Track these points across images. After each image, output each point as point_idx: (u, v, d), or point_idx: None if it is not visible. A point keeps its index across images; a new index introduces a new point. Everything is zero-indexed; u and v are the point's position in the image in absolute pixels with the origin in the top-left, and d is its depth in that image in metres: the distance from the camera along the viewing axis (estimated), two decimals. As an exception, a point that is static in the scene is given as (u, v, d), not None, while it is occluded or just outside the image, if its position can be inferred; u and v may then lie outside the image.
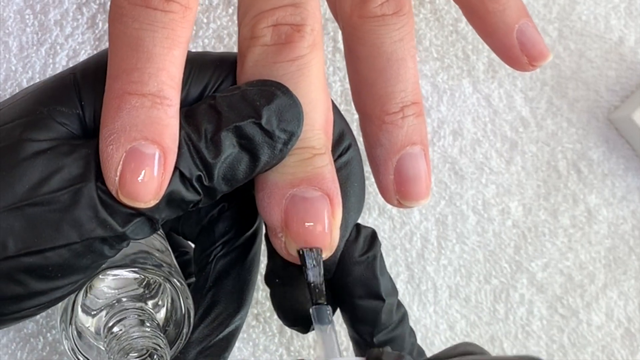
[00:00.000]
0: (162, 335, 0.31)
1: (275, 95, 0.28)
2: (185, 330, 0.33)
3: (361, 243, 0.31)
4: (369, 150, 0.32)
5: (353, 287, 0.31)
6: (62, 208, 0.25)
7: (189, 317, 0.32)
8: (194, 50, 0.33)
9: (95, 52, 0.40)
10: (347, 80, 0.34)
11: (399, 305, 0.33)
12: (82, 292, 0.31)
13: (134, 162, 0.25)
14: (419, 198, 0.31)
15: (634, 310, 0.44)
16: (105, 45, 0.40)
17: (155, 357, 0.31)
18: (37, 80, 0.39)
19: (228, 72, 0.29)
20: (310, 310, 0.30)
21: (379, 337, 0.31)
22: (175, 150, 0.26)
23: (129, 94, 0.25)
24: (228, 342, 0.34)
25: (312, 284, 0.29)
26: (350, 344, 0.34)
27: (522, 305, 0.43)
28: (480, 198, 0.43)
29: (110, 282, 0.32)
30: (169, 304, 0.33)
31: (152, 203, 0.26)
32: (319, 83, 0.28)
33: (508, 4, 0.34)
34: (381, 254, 0.31)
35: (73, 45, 0.39)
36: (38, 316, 0.39)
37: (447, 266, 0.43)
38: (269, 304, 0.41)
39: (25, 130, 0.26)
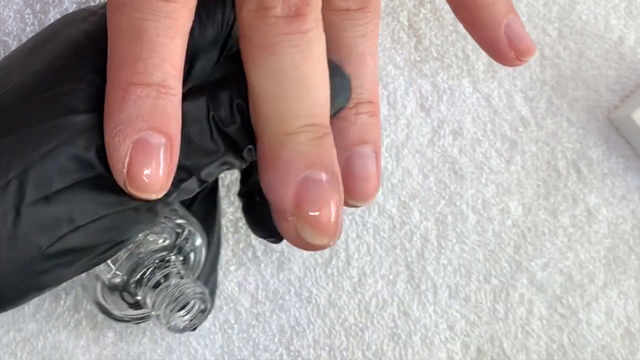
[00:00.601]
0: (194, 280, 0.33)
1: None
2: (202, 257, 0.34)
3: None
4: None
5: None
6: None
7: (203, 253, 0.34)
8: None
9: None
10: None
11: None
12: None
13: (141, 153, 0.25)
14: (365, 198, 0.31)
15: (634, 310, 0.44)
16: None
17: (197, 303, 0.32)
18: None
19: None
20: None
21: None
22: (180, 138, 0.26)
23: (134, 84, 0.25)
24: (219, 248, 0.36)
25: None
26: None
27: (522, 305, 0.43)
28: (480, 198, 0.43)
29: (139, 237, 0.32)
30: (180, 245, 0.34)
31: (161, 193, 0.26)
32: (324, 57, 0.28)
33: None
34: None
35: (73, 45, 0.39)
36: (38, 316, 0.39)
37: (446, 266, 0.43)
38: (268, 303, 0.41)
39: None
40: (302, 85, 0.27)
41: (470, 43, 0.43)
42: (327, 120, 0.27)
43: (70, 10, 0.39)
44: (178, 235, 0.33)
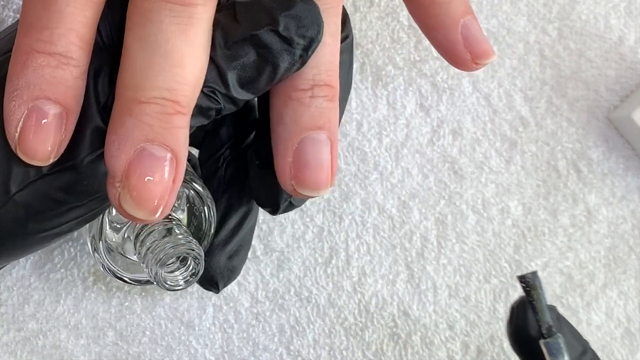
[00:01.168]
0: (192, 239, 0.32)
1: (293, 1, 0.27)
2: (209, 233, 0.34)
3: None
4: (272, 126, 0.30)
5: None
6: (84, 120, 0.26)
7: (212, 217, 0.33)
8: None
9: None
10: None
11: None
12: (108, 208, 0.31)
13: (34, 120, 0.25)
14: (316, 188, 0.29)
15: (634, 309, 0.44)
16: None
17: (190, 260, 0.31)
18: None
19: None
20: (541, 343, 0.30)
21: None
22: (78, 110, 0.26)
23: (36, 51, 0.25)
24: (249, 240, 0.36)
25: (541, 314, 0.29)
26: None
27: (522, 305, 0.43)
28: (479, 197, 0.43)
29: None
30: (187, 209, 0.34)
31: (49, 161, 0.26)
32: (205, 39, 0.27)
33: None
34: None
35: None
36: (38, 315, 0.39)
37: (446, 265, 0.43)
38: (268, 303, 0.41)
39: None
40: (169, 58, 0.26)
41: (470, 43, 0.43)
42: (187, 100, 0.26)
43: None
44: (188, 197, 0.34)
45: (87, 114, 0.26)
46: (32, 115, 0.25)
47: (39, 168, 0.26)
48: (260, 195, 0.34)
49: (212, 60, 0.27)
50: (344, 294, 0.42)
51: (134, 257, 0.34)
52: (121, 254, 0.35)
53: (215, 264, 0.36)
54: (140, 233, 0.33)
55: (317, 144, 0.29)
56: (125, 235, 0.34)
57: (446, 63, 0.43)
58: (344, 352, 0.42)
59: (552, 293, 0.43)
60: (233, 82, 0.27)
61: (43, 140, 0.25)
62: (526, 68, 0.44)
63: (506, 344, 0.43)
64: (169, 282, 0.32)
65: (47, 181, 0.26)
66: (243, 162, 0.35)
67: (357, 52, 0.43)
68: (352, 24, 0.32)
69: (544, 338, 0.30)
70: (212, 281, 0.36)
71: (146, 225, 0.33)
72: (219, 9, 0.27)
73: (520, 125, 0.44)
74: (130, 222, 0.34)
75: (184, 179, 0.31)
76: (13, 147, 0.25)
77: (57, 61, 0.25)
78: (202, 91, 0.27)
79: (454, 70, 0.43)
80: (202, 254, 0.32)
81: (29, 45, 0.25)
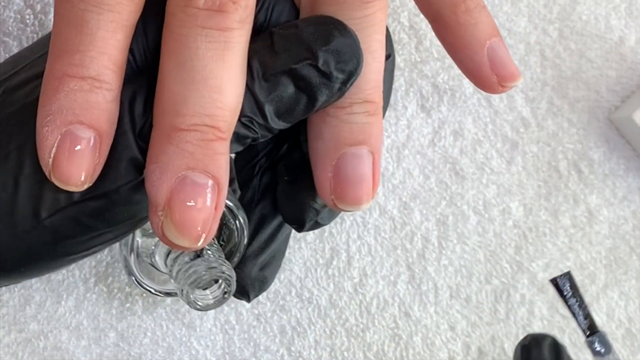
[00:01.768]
0: (224, 259, 0.32)
1: (333, 35, 0.27)
2: (241, 246, 0.34)
3: None
4: (310, 141, 0.30)
5: None
6: (119, 148, 0.26)
7: (244, 232, 0.33)
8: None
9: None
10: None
11: None
12: None
13: (68, 145, 0.25)
14: (357, 203, 0.29)
15: (635, 310, 0.44)
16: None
17: (223, 284, 0.32)
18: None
19: (270, 2, 0.28)
20: (587, 342, 0.29)
21: None
22: (112, 133, 0.26)
23: (68, 76, 0.25)
24: (283, 251, 0.36)
25: (582, 313, 0.28)
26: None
27: (523, 306, 0.43)
28: (481, 198, 0.43)
29: None
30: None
31: (84, 187, 0.26)
32: (242, 63, 0.27)
33: (480, 19, 0.32)
34: None
35: (74, 46, 0.39)
36: (40, 316, 0.39)
37: (447, 266, 0.43)
38: (269, 304, 0.41)
39: None
40: (207, 84, 0.25)
41: (471, 44, 0.43)
42: (227, 125, 0.26)
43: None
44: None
45: (122, 142, 0.26)
46: (65, 140, 0.25)
47: (69, 194, 0.26)
48: (287, 211, 0.33)
49: (250, 91, 0.27)
50: (345, 295, 0.42)
51: (163, 269, 0.34)
52: (151, 264, 0.35)
53: (247, 274, 0.36)
54: (171, 251, 0.33)
55: (357, 158, 0.28)
56: (156, 246, 0.34)
57: (447, 64, 0.43)
58: (345, 353, 0.42)
59: (553, 294, 0.43)
60: (270, 114, 0.27)
61: (77, 166, 0.25)
62: (527, 69, 0.44)
63: (507, 345, 0.43)
64: (200, 303, 0.32)
65: (77, 208, 0.26)
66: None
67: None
68: None
69: (587, 337, 0.30)
70: (243, 291, 0.36)
71: None
72: (255, 37, 0.27)
73: (522, 126, 0.44)
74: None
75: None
76: (47, 173, 0.25)
77: (89, 85, 0.25)
78: (240, 120, 0.27)
79: (454, 71, 0.43)
80: (234, 274, 0.32)
81: (60, 70, 0.25)
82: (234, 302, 0.41)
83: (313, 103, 0.28)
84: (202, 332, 0.41)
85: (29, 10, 0.39)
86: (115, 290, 0.40)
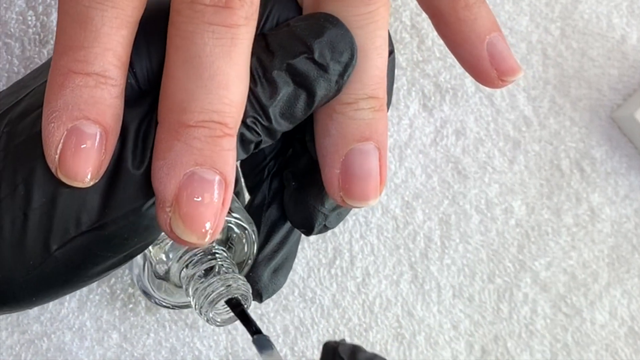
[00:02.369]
0: (238, 274, 0.32)
1: (325, 27, 0.27)
2: (251, 255, 0.34)
3: None
4: (318, 139, 0.30)
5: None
6: (130, 174, 0.26)
7: (254, 244, 0.33)
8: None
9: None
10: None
11: None
12: None
13: (74, 141, 0.25)
14: (365, 199, 0.29)
15: (638, 308, 0.44)
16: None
17: (240, 300, 0.32)
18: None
19: (273, 3, 0.29)
20: (252, 341, 0.31)
21: None
22: (118, 129, 0.26)
23: (74, 72, 0.25)
24: (294, 253, 0.36)
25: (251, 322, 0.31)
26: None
27: (526, 304, 0.43)
28: (483, 197, 0.43)
29: None
30: (225, 234, 0.34)
31: (91, 182, 0.26)
32: (247, 58, 0.27)
33: (480, 14, 0.32)
34: None
35: (75, 47, 0.39)
36: (43, 318, 0.39)
37: (450, 266, 0.43)
38: (272, 304, 0.41)
39: None
40: (215, 80, 0.26)
41: (473, 43, 0.43)
42: (234, 121, 0.26)
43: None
44: (229, 228, 0.34)
45: (127, 167, 0.26)
46: (71, 136, 0.25)
47: (78, 224, 0.26)
48: (296, 216, 0.34)
49: (253, 93, 0.27)
50: (348, 295, 0.42)
51: (177, 282, 0.35)
52: (161, 278, 0.35)
53: (259, 278, 0.36)
54: (187, 266, 0.33)
55: (364, 154, 0.29)
56: (167, 263, 0.34)
57: (449, 63, 0.43)
58: None
59: (555, 292, 0.43)
60: (275, 114, 0.27)
61: (84, 162, 0.25)
62: (529, 67, 0.44)
63: (510, 344, 0.43)
64: (218, 320, 0.32)
65: (87, 237, 0.26)
66: None
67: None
68: None
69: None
70: (256, 294, 0.37)
71: (192, 257, 0.33)
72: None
73: (524, 124, 0.44)
74: (172, 249, 0.34)
75: (233, 209, 0.31)
76: (53, 170, 0.25)
77: (95, 81, 0.25)
78: (244, 122, 0.27)
79: (456, 70, 0.43)
80: (249, 288, 0.32)
81: (65, 66, 0.25)
82: (237, 303, 0.41)
83: (312, 98, 0.28)
84: (205, 332, 0.41)
85: (30, 12, 0.39)
86: (118, 291, 0.40)
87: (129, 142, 0.26)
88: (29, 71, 0.39)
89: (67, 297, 0.40)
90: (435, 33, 0.43)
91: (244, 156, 0.28)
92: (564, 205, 0.44)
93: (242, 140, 0.27)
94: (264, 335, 0.31)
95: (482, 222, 0.43)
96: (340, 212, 0.34)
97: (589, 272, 0.44)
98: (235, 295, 0.32)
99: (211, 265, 0.33)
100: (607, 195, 0.44)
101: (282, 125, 0.28)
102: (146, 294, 0.35)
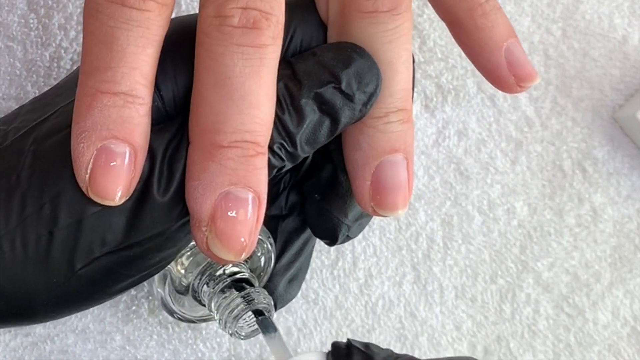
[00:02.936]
0: (260, 288, 0.33)
1: (352, 58, 0.28)
2: (269, 270, 0.35)
3: None
4: (348, 152, 0.31)
5: None
6: (156, 201, 0.26)
7: (271, 259, 0.34)
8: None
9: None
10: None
11: None
12: None
13: (103, 161, 0.25)
14: (395, 208, 0.30)
15: (640, 308, 0.44)
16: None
17: (264, 314, 0.33)
18: (42, 84, 0.39)
19: (297, 23, 0.29)
20: (256, 322, 0.32)
21: None
22: (146, 146, 0.26)
23: (101, 92, 0.25)
24: (307, 264, 0.37)
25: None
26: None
27: (529, 305, 0.43)
28: (485, 198, 0.43)
29: None
30: None
31: (121, 200, 0.26)
32: (275, 77, 0.27)
33: (497, 22, 0.32)
34: None
35: (77, 49, 0.39)
36: (45, 320, 0.39)
37: (453, 266, 0.43)
38: (275, 306, 0.41)
39: None
40: (246, 101, 0.26)
41: (475, 43, 0.43)
42: (265, 140, 0.27)
43: (75, 15, 0.39)
44: None
45: (153, 190, 0.27)
46: (101, 155, 0.25)
47: (103, 245, 0.26)
48: (319, 228, 0.34)
49: (280, 120, 0.27)
50: (350, 296, 0.42)
51: (198, 295, 0.35)
52: (183, 294, 0.35)
53: (275, 288, 0.36)
54: (208, 282, 0.34)
55: (394, 165, 0.30)
56: (188, 277, 0.35)
57: (450, 64, 0.43)
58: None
59: (558, 293, 0.43)
60: (301, 141, 0.28)
61: (114, 181, 0.26)
62: (531, 68, 0.44)
63: (513, 344, 0.43)
64: (243, 333, 0.33)
65: (111, 257, 0.27)
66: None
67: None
68: None
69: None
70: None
71: (213, 272, 0.34)
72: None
73: (525, 125, 0.44)
74: (194, 263, 0.34)
75: None
76: (84, 189, 0.26)
77: (122, 100, 0.25)
78: (270, 148, 0.27)
79: (458, 71, 0.43)
80: (271, 301, 0.33)
81: (93, 87, 0.25)
82: (239, 304, 0.41)
83: (336, 125, 0.29)
84: (209, 334, 0.41)
85: (32, 15, 0.39)
86: (121, 293, 0.40)
87: (156, 168, 0.27)
88: (31, 74, 0.39)
89: (70, 299, 0.40)
90: (437, 34, 0.43)
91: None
92: (566, 205, 0.44)
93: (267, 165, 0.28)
94: (267, 318, 0.31)
95: (485, 222, 0.43)
96: (362, 222, 0.35)
97: (592, 273, 0.44)
98: (258, 309, 0.32)
99: (233, 279, 0.33)
100: (609, 195, 0.44)
101: (305, 151, 0.29)
102: (167, 308, 0.36)
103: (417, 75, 0.43)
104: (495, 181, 0.43)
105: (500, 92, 0.44)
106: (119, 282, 0.28)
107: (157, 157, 0.27)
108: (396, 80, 0.29)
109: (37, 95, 0.39)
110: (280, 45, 0.27)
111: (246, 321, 0.33)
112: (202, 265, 0.34)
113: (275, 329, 0.31)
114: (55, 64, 0.39)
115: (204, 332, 0.41)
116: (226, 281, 0.33)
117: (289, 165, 0.29)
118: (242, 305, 0.32)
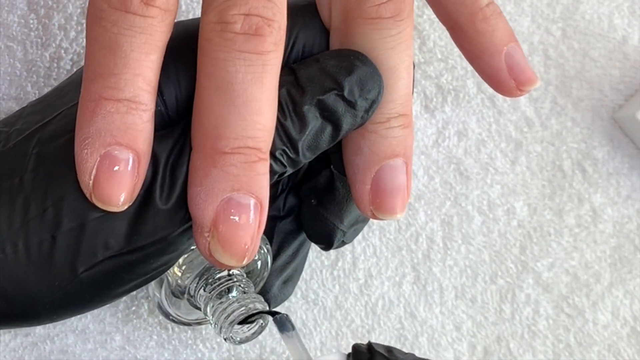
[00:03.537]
0: (256, 294, 0.33)
1: (355, 65, 0.28)
2: (265, 274, 0.35)
3: None
4: (348, 157, 0.31)
5: None
6: (158, 207, 0.27)
7: (267, 263, 0.34)
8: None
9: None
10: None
11: None
12: None
13: (107, 167, 0.25)
14: (394, 212, 0.30)
15: (640, 309, 0.44)
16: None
17: (260, 319, 0.33)
18: (42, 85, 0.39)
19: (299, 29, 0.29)
20: (272, 320, 0.32)
21: None
22: (149, 152, 0.26)
23: (104, 99, 0.25)
24: (303, 265, 0.37)
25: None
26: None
27: (528, 305, 0.43)
28: (485, 198, 0.43)
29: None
30: None
31: (125, 206, 0.26)
32: (277, 83, 0.27)
33: (497, 26, 0.33)
34: None
35: (77, 50, 0.39)
36: (45, 321, 0.39)
37: (453, 267, 0.43)
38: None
39: None
40: (248, 107, 0.26)
41: (474, 44, 0.43)
42: (267, 146, 0.27)
43: (75, 15, 0.39)
44: None
45: (151, 202, 0.27)
46: (104, 162, 0.25)
47: (106, 249, 0.26)
48: (315, 232, 0.35)
49: (282, 127, 0.28)
50: (350, 296, 0.42)
51: (194, 299, 0.35)
52: (179, 297, 0.35)
53: (270, 288, 0.36)
54: (205, 286, 0.34)
55: (394, 170, 0.30)
56: (185, 281, 0.35)
57: (450, 65, 0.43)
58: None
59: (558, 293, 0.43)
60: (302, 148, 0.28)
61: (117, 187, 0.26)
62: (530, 68, 0.44)
63: (513, 345, 0.43)
64: (238, 338, 0.33)
65: (114, 261, 0.27)
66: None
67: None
68: None
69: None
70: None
71: (210, 277, 0.34)
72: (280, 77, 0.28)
73: (525, 125, 0.44)
74: (192, 266, 0.34)
75: None
76: (88, 195, 0.26)
77: (126, 107, 0.26)
78: (272, 154, 0.27)
79: (458, 71, 0.43)
80: (267, 307, 0.33)
81: (96, 93, 0.26)
82: (239, 304, 0.41)
83: (338, 132, 0.29)
84: (208, 334, 0.41)
85: (32, 15, 0.39)
86: (121, 294, 0.40)
87: (159, 174, 0.27)
88: (31, 74, 0.39)
89: (70, 299, 0.40)
90: (437, 34, 0.43)
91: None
92: (565, 206, 0.44)
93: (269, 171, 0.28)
94: (285, 315, 0.31)
95: (484, 223, 0.43)
96: (357, 227, 0.35)
97: (591, 273, 0.44)
98: (253, 314, 0.33)
99: (229, 285, 0.33)
100: (609, 195, 0.44)
101: (307, 157, 0.29)
102: (163, 311, 0.36)
103: (417, 75, 0.43)
104: (495, 181, 0.43)
105: (500, 92, 0.44)
106: (121, 285, 0.28)
107: (160, 163, 0.27)
108: (398, 86, 0.30)
109: (37, 95, 0.39)
110: (282, 52, 0.27)
111: (241, 326, 0.33)
112: (199, 270, 0.34)
113: (293, 328, 0.31)
114: (55, 65, 0.39)
115: (203, 333, 0.41)
116: (222, 286, 0.33)
117: (290, 171, 0.29)
118: (238, 312, 0.32)
